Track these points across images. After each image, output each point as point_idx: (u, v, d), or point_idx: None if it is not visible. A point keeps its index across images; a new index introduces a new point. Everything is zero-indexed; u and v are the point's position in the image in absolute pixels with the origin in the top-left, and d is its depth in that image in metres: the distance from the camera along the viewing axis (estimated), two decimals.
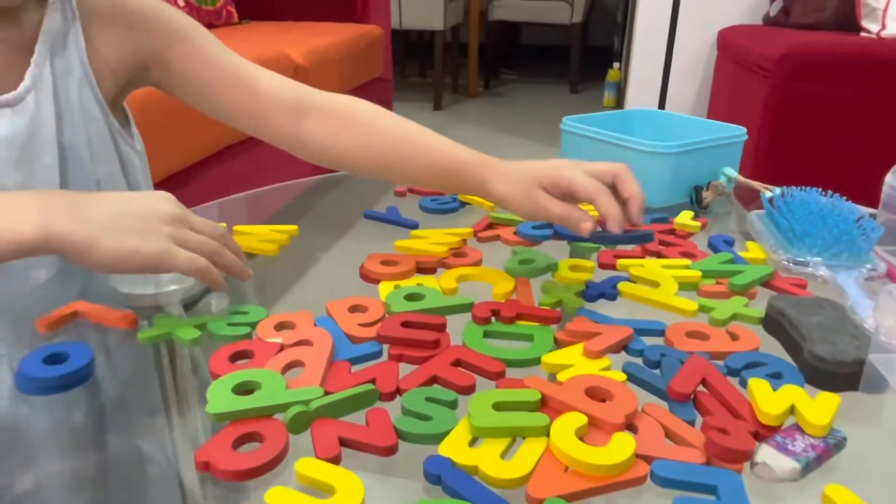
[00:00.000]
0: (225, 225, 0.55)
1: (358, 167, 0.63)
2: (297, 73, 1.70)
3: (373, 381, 0.42)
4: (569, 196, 0.54)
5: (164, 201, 0.48)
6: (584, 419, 0.37)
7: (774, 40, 1.81)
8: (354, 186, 0.92)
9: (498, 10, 3.89)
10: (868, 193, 0.74)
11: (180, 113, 1.07)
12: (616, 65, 3.60)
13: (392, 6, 2.75)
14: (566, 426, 0.36)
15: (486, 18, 3.89)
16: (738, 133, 0.80)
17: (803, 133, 1.74)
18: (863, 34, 1.87)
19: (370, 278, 0.57)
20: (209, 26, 1.94)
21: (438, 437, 0.37)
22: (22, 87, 0.55)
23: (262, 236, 0.64)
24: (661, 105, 2.06)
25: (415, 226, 0.68)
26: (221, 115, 0.65)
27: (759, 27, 2.18)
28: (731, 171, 0.78)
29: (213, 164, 1.35)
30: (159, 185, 0.76)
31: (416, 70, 4.48)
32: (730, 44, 2.16)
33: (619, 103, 3.52)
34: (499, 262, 0.60)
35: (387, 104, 2.54)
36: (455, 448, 0.36)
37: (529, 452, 0.35)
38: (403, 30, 3.46)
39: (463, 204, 0.75)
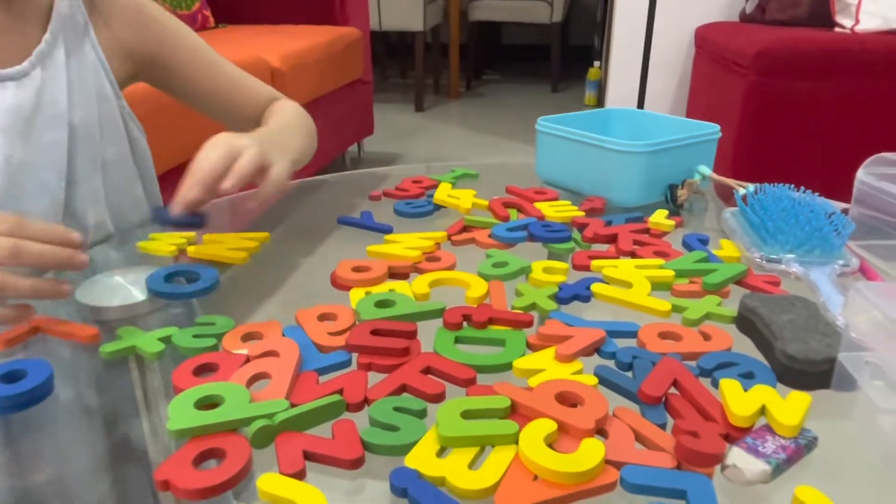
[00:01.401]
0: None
1: None
2: (274, 77, 1.69)
3: (340, 391, 0.41)
4: None
5: None
6: (553, 425, 0.37)
7: (750, 37, 1.82)
8: (330, 191, 0.92)
9: (477, 11, 3.89)
10: (844, 189, 0.75)
11: (175, 112, 1.06)
12: (597, 63, 3.62)
13: (371, 8, 2.75)
14: (535, 433, 0.36)
15: (466, 19, 3.89)
16: (712, 131, 0.80)
17: (780, 129, 1.76)
18: (837, 29, 1.89)
19: (341, 285, 0.56)
20: None
21: (406, 448, 0.36)
22: (27, 62, 0.59)
23: (231, 244, 0.63)
24: (641, 103, 2.06)
25: (388, 230, 0.67)
26: (208, 110, 0.74)
27: (735, 24, 2.19)
28: (706, 169, 0.78)
29: None
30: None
31: (398, 72, 4.47)
32: (707, 41, 2.17)
33: (601, 101, 3.54)
34: (473, 266, 0.59)
35: (367, 106, 2.53)
36: (422, 459, 0.35)
37: (498, 461, 0.35)
38: (383, 31, 3.45)
39: (438, 207, 0.75)
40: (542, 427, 0.36)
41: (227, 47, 1.73)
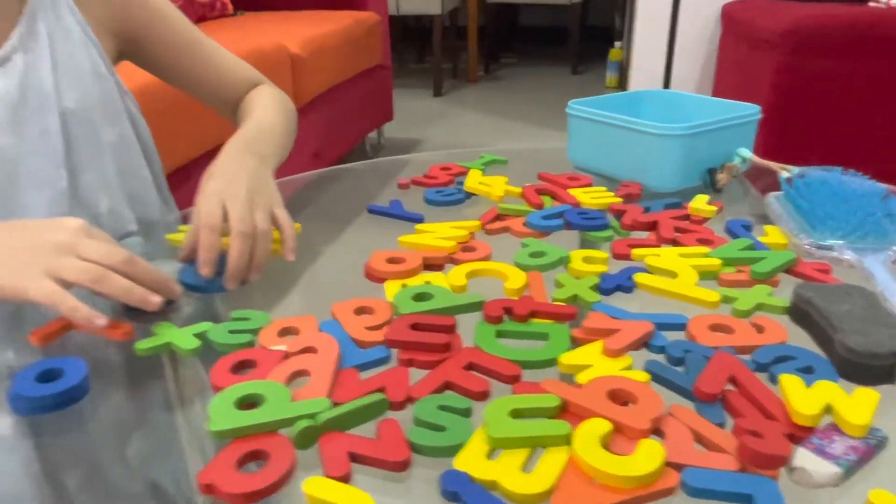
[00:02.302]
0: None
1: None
2: (294, 64, 1.67)
3: (382, 389, 0.39)
4: None
5: (58, 230, 0.46)
6: (608, 426, 0.35)
7: (780, 13, 1.77)
8: (355, 180, 0.90)
9: None
10: (884, 170, 0.72)
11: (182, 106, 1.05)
12: (617, 44, 3.55)
13: None
14: (589, 434, 0.34)
15: (483, 1, 3.84)
16: (751, 112, 0.77)
17: (813, 109, 1.71)
18: (871, 4, 1.83)
19: (376, 277, 0.54)
20: (202, 19, 1.91)
21: (454, 450, 0.35)
22: (8, 45, 0.55)
23: None
24: (666, 84, 2.02)
25: (420, 219, 0.66)
26: (186, 89, 0.73)
27: (763, 0, 2.13)
28: (746, 152, 0.75)
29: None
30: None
31: (414, 56, 4.43)
32: (734, 19, 2.11)
33: (622, 83, 3.48)
34: (508, 256, 0.57)
35: (387, 92, 2.51)
36: (472, 461, 0.34)
37: (551, 464, 0.33)
38: (401, 15, 3.41)
39: (469, 195, 0.73)
40: (596, 427, 0.35)
41: (245, 34, 1.72)
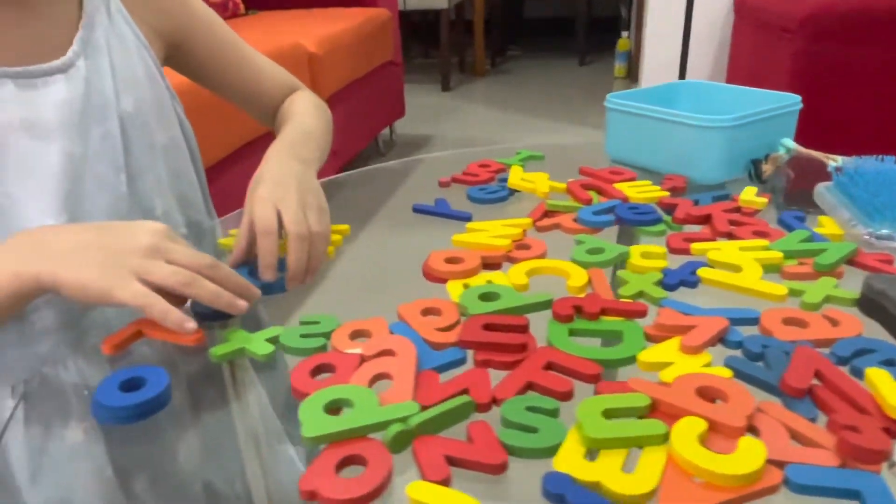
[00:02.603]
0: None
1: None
2: (312, 63, 1.67)
3: (465, 391, 0.39)
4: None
5: (143, 233, 0.46)
6: (703, 424, 0.35)
7: (797, 0, 1.76)
8: (391, 179, 0.90)
9: None
10: None
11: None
12: (624, 34, 3.54)
13: None
14: (687, 433, 0.34)
15: None
16: (792, 102, 0.77)
17: (832, 98, 1.70)
18: None
19: (436, 277, 0.54)
20: None
21: (549, 451, 0.35)
22: (71, 52, 0.56)
23: None
24: (682, 73, 2.01)
25: (468, 218, 0.66)
26: (226, 93, 0.73)
27: None
28: (790, 142, 0.75)
29: (233, 161, 1.33)
30: None
31: (420, 52, 4.42)
32: (748, 6, 2.10)
33: (631, 73, 3.47)
34: (561, 253, 0.57)
35: (398, 88, 2.50)
36: (572, 463, 0.34)
37: (652, 464, 0.33)
38: (405, 11, 3.40)
39: (512, 191, 0.73)
40: (692, 426, 0.35)
41: (261, 34, 1.71)
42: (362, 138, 2.15)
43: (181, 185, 0.67)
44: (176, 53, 0.68)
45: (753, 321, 0.46)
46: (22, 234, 0.47)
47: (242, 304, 0.46)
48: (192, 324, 0.44)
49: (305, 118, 0.69)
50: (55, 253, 0.45)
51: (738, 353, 0.43)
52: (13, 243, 0.46)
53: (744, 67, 2.14)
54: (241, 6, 2.12)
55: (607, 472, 0.33)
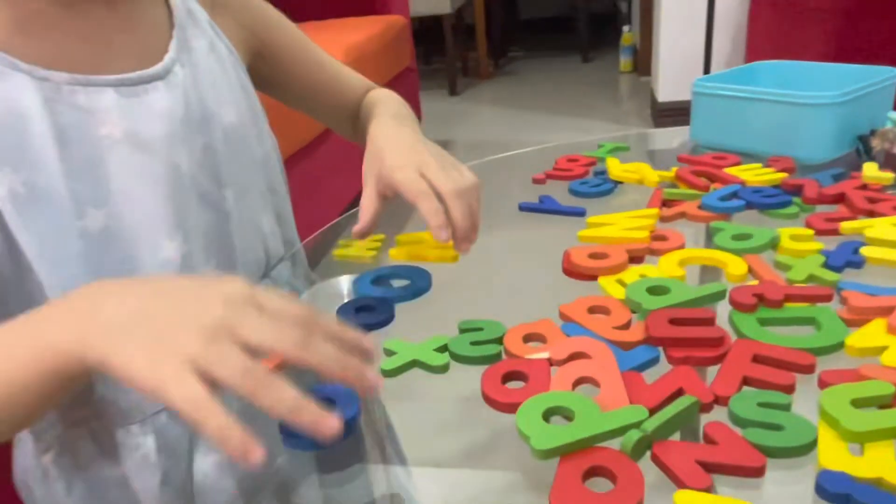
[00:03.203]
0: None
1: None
2: None
3: (680, 391, 0.37)
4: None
5: (216, 301, 0.33)
6: None
7: None
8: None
9: None
10: None
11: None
12: (626, 28, 3.53)
13: None
14: None
15: None
16: (891, 75, 0.75)
17: None
18: None
19: (581, 274, 0.52)
20: None
21: (804, 449, 0.32)
22: (167, 58, 0.52)
23: (433, 243, 0.58)
24: (707, 62, 1.99)
25: (582, 213, 0.63)
26: (306, 101, 0.69)
27: None
28: None
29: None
30: None
31: (422, 58, 4.40)
32: None
33: (636, 66, 3.46)
34: (691, 241, 0.55)
35: (415, 94, 2.48)
36: (841, 459, 0.31)
37: None
38: (411, 17, 3.39)
39: (616, 184, 0.70)
40: None
41: None
42: None
43: (277, 201, 0.64)
44: (256, 62, 0.64)
45: None
46: (82, 292, 0.36)
47: (371, 376, 0.34)
48: (259, 454, 0.29)
49: (391, 103, 0.67)
50: (109, 327, 0.33)
51: None
52: (64, 307, 0.35)
53: (765, 53, 2.12)
54: None
55: (885, 466, 0.30)
